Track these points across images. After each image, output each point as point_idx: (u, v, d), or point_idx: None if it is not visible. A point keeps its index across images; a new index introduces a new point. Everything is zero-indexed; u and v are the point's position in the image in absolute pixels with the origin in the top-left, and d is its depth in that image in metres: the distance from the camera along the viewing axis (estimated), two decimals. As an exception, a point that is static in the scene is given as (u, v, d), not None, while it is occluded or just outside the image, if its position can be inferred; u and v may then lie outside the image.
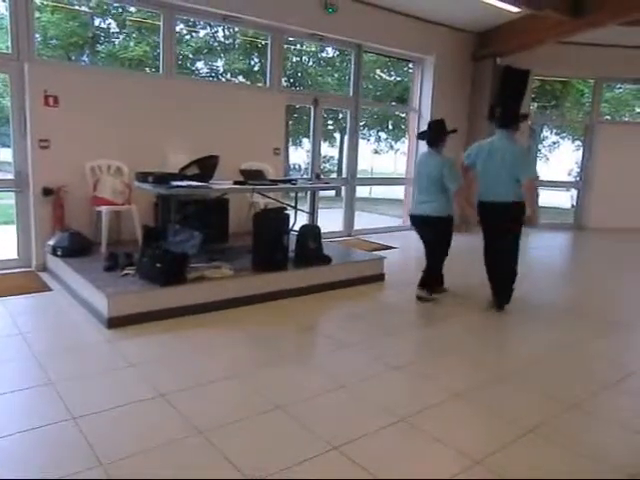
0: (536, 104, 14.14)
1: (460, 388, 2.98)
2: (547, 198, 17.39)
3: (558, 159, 19.75)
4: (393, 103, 17.18)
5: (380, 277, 5.35)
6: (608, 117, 14.25)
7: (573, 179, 13.96)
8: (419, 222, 4.65)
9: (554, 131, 19.93)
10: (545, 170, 19.66)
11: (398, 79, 16.73)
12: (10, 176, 5.25)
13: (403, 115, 12.29)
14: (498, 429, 2.56)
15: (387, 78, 17.06)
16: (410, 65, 9.01)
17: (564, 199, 16.02)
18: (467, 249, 5.45)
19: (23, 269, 5.20)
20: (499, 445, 2.39)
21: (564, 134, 19.92)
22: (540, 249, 8.11)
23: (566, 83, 15.43)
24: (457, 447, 2.37)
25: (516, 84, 8.40)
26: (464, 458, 2.29)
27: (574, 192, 10.55)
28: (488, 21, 7.95)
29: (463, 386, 3.01)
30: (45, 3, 12.19)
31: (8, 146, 5.25)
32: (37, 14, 5.34)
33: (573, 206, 10.77)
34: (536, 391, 3.01)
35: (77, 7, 13.31)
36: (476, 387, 3.02)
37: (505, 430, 2.54)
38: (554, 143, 20.61)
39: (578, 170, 10.65)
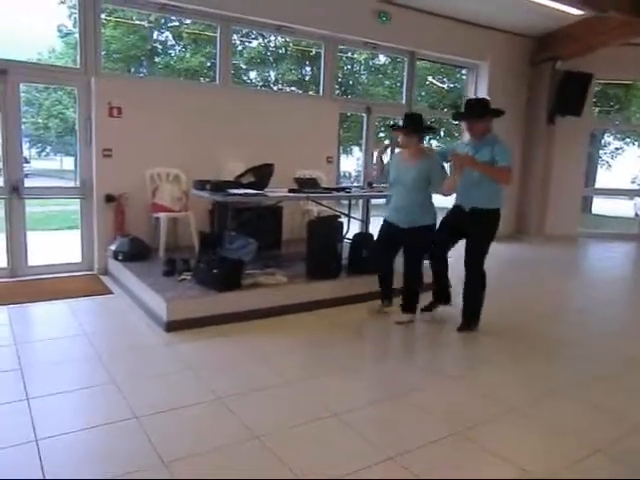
0: (597, 109, 13.61)
1: (518, 403, 2.88)
2: (609, 206, 16.72)
3: (621, 166, 18.90)
4: (446, 110, 16.96)
5: (432, 286, 5.25)
6: (676, 121, 13.56)
7: (638, 187, 13.33)
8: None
9: (617, 136, 19.10)
10: (607, 177, 18.85)
11: (451, 86, 16.49)
12: (73, 183, 5.50)
13: (456, 122, 12.05)
14: (561, 448, 2.45)
15: (440, 85, 16.85)
16: (463, 71, 8.88)
17: (627, 208, 15.30)
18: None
19: (86, 272, 5.43)
20: (562, 464, 2.29)
21: (628, 139, 19.04)
22: (602, 260, 7.78)
23: (630, 86, 14.76)
24: (517, 463, 2.28)
25: (576, 89, 8.13)
26: (525, 475, 2.20)
27: (639, 200, 10.06)
28: (546, 25, 7.73)
29: (521, 401, 2.91)
30: (108, 19, 12.79)
31: (71, 155, 5.51)
32: (102, 30, 5.58)
33: (637, 215, 10.26)
34: (601, 409, 2.86)
35: (137, 22, 13.89)
36: (534, 402, 2.91)
37: (568, 449, 2.43)
38: (617, 149, 19.74)
39: (643, 177, 10.16)
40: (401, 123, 4.07)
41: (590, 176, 14.76)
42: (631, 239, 9.48)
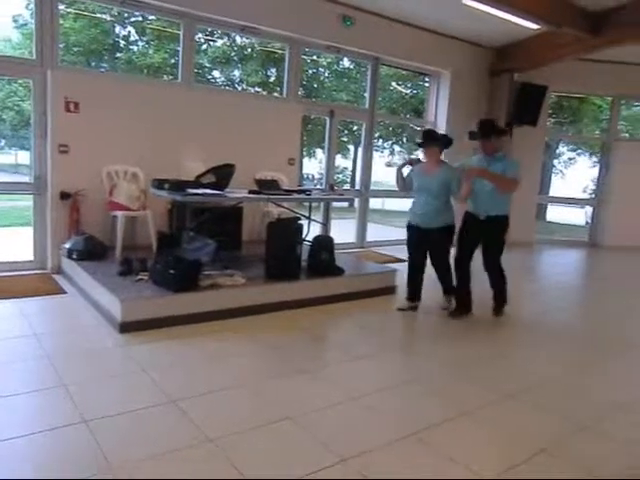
0: (552, 120, 14.09)
1: (471, 405, 2.96)
2: (561, 215, 17.33)
3: (574, 175, 19.62)
4: (409, 116, 17.19)
5: (391, 290, 5.33)
6: (626, 135, 14.16)
7: (588, 196, 13.86)
8: None
9: (570, 147, 19.83)
10: (560, 186, 19.53)
11: (414, 92, 16.77)
12: (29, 179, 5.33)
13: (419, 128, 12.25)
14: (508, 448, 2.53)
15: (403, 91, 17.10)
16: (426, 78, 9.04)
17: (579, 216, 15.90)
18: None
19: (38, 271, 5.26)
20: (510, 464, 2.37)
21: (580, 150, 19.80)
22: (554, 266, 8.05)
23: (583, 99, 15.36)
24: (467, 465, 2.34)
25: (533, 100, 8.40)
26: (475, 476, 2.26)
27: (589, 209, 10.47)
28: (506, 37, 7.95)
29: (474, 403, 2.99)
30: (68, 10, 12.44)
31: (27, 149, 5.34)
32: (60, 21, 5.43)
33: (588, 223, 10.67)
34: (548, 411, 2.97)
35: (99, 15, 13.56)
36: (486, 405, 2.99)
37: (515, 449, 2.51)
38: (570, 159, 20.50)
39: (594, 187, 10.57)
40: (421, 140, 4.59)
41: (545, 184, 15.27)
42: (582, 246, 9.86)
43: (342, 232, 7.97)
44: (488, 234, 4.51)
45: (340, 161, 19.57)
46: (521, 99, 8.37)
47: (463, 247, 4.61)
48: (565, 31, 6.72)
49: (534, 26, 6.68)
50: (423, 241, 4.60)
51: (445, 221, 4.49)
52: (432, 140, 4.48)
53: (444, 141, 4.55)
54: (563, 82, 8.94)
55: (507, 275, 4.67)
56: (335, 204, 6.62)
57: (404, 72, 13.18)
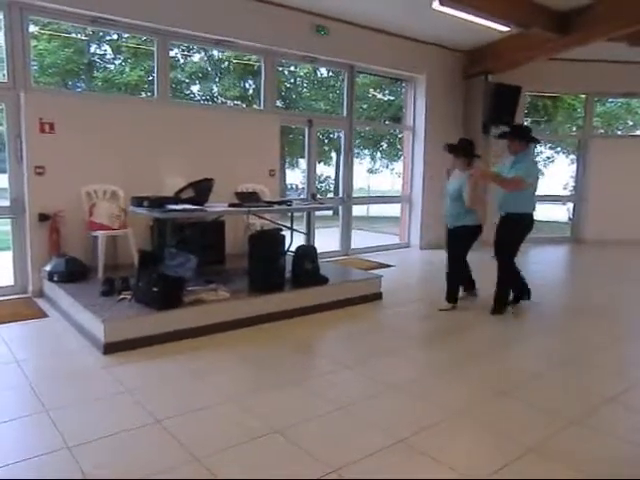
0: (529, 119, 14.27)
1: (460, 406, 2.96)
2: (544, 212, 17.49)
3: (554, 173, 19.83)
4: (387, 122, 17.29)
5: (378, 296, 5.34)
6: (601, 131, 14.37)
7: (569, 193, 14.01)
8: None
9: (548, 146, 20.06)
10: (541, 185, 19.75)
11: (392, 98, 16.88)
12: (6, 203, 5.25)
13: (400, 135, 12.31)
14: (499, 448, 2.53)
15: (381, 97, 17.22)
16: (403, 84, 9.11)
17: (561, 213, 16.05)
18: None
19: (19, 295, 5.18)
20: (500, 464, 2.36)
21: (558, 149, 20.04)
22: (540, 263, 8.11)
23: (556, 98, 15.59)
24: (457, 468, 2.34)
25: (507, 101, 8.51)
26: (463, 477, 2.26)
27: (570, 206, 10.59)
28: (477, 39, 8.04)
29: (463, 404, 2.99)
30: (42, 32, 12.35)
31: (4, 172, 5.26)
32: (34, 42, 5.39)
33: (570, 219, 10.78)
34: (538, 407, 2.98)
35: (73, 35, 13.48)
36: (476, 405, 2.99)
37: (506, 448, 2.51)
38: (548, 158, 20.73)
39: (573, 184, 10.69)
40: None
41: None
42: (566, 242, 9.97)
43: (327, 240, 7.98)
44: (498, 231, 4.83)
45: (324, 169, 19.58)
46: (496, 100, 8.45)
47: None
48: (534, 32, 6.82)
49: (504, 28, 6.76)
50: (450, 239, 5.09)
51: (465, 222, 4.89)
52: (458, 151, 4.97)
53: (470, 155, 4.97)
54: (536, 82, 9.07)
55: (493, 274, 4.78)
56: (320, 212, 6.62)
57: (381, 79, 13.26)
